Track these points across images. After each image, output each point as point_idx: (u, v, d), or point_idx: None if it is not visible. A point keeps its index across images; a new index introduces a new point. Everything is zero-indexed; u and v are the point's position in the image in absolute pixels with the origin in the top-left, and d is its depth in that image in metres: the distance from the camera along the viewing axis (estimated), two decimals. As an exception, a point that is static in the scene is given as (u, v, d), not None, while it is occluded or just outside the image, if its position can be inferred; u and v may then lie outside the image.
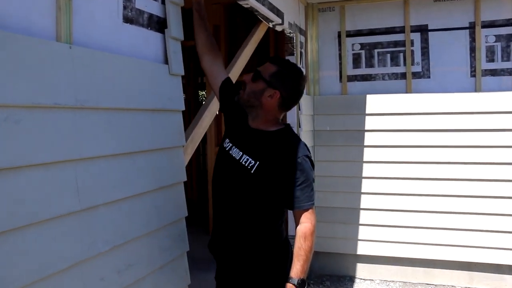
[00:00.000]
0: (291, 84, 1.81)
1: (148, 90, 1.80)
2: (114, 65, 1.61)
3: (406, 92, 4.07)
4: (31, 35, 1.28)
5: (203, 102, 2.83)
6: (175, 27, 1.98)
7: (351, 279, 4.22)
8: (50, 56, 1.33)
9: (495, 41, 3.84)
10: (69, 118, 1.38)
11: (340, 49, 4.28)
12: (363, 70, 4.23)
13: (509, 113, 3.74)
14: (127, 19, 1.71)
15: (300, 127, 3.79)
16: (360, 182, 4.11)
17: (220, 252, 1.90)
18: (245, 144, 1.83)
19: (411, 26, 4.05)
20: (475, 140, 3.80)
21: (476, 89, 3.88)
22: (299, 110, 3.79)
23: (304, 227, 1.73)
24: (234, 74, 2.79)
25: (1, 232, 1.13)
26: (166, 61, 1.95)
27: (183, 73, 2.02)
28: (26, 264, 1.20)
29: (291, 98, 1.84)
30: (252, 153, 1.78)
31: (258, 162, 1.75)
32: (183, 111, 2.07)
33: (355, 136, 4.12)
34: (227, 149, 1.87)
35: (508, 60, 3.82)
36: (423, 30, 4.02)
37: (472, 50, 3.88)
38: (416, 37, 4.05)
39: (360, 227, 4.12)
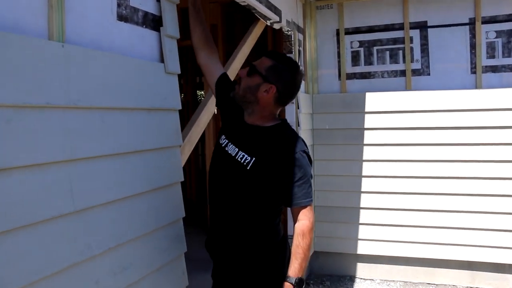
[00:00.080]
0: (287, 79, 1.78)
1: (144, 89, 1.76)
2: (108, 63, 1.57)
3: (406, 90, 4.04)
4: (23, 33, 1.25)
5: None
6: (171, 25, 1.95)
7: (351, 278, 4.19)
8: (42, 54, 1.30)
9: (496, 37, 3.80)
10: (61, 118, 1.35)
11: (338, 47, 4.24)
12: (362, 68, 4.20)
13: (510, 110, 3.71)
14: (121, 17, 1.68)
15: (299, 125, 3.76)
16: (360, 181, 4.08)
17: (216, 251, 1.87)
18: (241, 140, 1.80)
19: (410, 23, 4.02)
20: (475, 138, 3.76)
21: (477, 86, 3.84)
22: (298, 108, 3.76)
23: (302, 225, 1.70)
24: (232, 72, 2.76)
25: (-9, 235, 1.10)
26: (162, 60, 1.92)
27: (179, 72, 1.99)
28: (18, 267, 1.17)
29: (287, 93, 1.81)
30: (248, 149, 1.75)
31: (254, 159, 1.72)
32: (181, 111, 2.05)
33: (355, 135, 4.09)
34: (223, 145, 1.84)
35: (509, 56, 3.78)
36: (422, 26, 3.99)
37: (473, 46, 3.85)
38: (416, 34, 4.01)
39: (360, 226, 4.10)
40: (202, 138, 5.04)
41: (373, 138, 4.04)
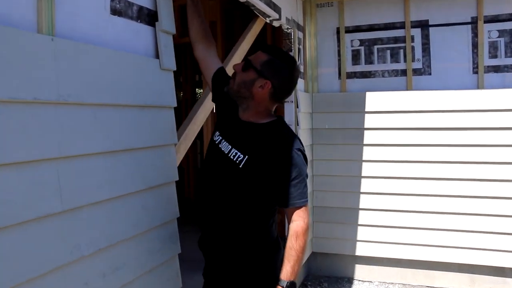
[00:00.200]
0: (284, 74, 1.72)
1: (138, 85, 1.72)
2: (100, 58, 1.52)
3: (407, 89, 3.99)
4: (10, 25, 1.20)
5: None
6: (167, 20, 1.90)
7: (350, 280, 4.15)
8: (30, 48, 1.25)
9: (498, 37, 3.75)
10: (50, 114, 1.30)
11: (339, 46, 4.20)
12: (362, 67, 4.15)
13: (512, 110, 3.66)
14: (115, 11, 1.63)
15: (298, 125, 3.72)
16: (359, 182, 4.03)
17: (208, 250, 1.82)
18: (234, 137, 1.75)
19: (411, 22, 3.97)
20: (477, 139, 3.71)
21: (479, 86, 3.79)
22: (297, 107, 3.71)
23: (296, 226, 1.65)
24: (230, 69, 2.70)
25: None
26: (157, 56, 1.87)
27: (174, 68, 1.94)
28: (2, 269, 1.13)
29: (283, 89, 1.75)
30: (241, 146, 1.70)
31: (247, 157, 1.67)
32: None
33: (354, 135, 4.04)
34: (216, 142, 1.79)
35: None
36: (423, 25, 3.94)
37: (475, 46, 3.80)
38: (417, 32, 3.96)
39: (359, 227, 4.05)
40: (201, 136, 5.01)
41: (373, 138, 3.99)
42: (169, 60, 1.91)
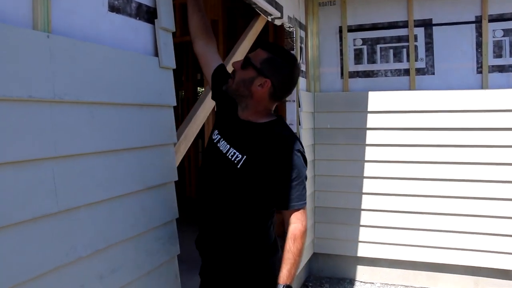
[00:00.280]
0: (284, 73, 1.68)
1: (136, 83, 1.68)
2: (97, 56, 1.49)
3: (410, 89, 3.95)
4: (4, 22, 1.17)
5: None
6: (166, 18, 1.86)
7: (351, 281, 4.11)
8: (25, 45, 1.22)
9: (503, 36, 3.70)
10: (46, 113, 1.27)
11: (341, 45, 4.16)
12: (365, 66, 4.11)
13: (517, 111, 3.61)
14: (113, 8, 1.60)
15: (300, 124, 3.69)
16: (362, 182, 4.00)
17: (205, 250, 1.79)
18: (233, 136, 1.71)
19: (414, 21, 3.93)
20: (481, 139, 3.67)
21: (483, 86, 3.75)
22: (299, 107, 3.68)
23: (294, 228, 1.61)
24: (230, 68, 2.67)
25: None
26: (156, 54, 1.83)
27: (174, 66, 1.91)
28: (-5, 272, 1.10)
29: (283, 88, 1.71)
30: (239, 146, 1.66)
31: (245, 157, 1.63)
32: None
33: (357, 134, 4.01)
34: (215, 141, 1.75)
35: (516, 55, 3.69)
36: (427, 24, 3.90)
37: (479, 45, 3.76)
38: (420, 32, 3.93)
39: (361, 228, 4.02)
40: (202, 135, 4.98)
41: (375, 138, 3.96)
42: (169, 58, 1.88)
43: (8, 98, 1.15)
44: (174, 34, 2.01)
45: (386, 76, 4.04)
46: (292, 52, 3.62)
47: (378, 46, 4.06)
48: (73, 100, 1.37)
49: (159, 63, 1.82)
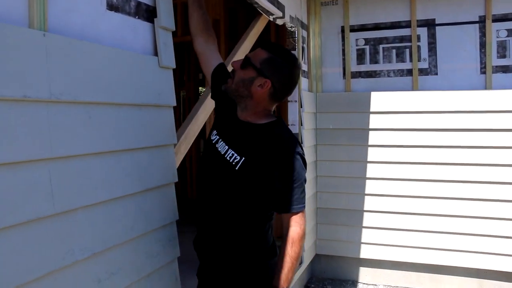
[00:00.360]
0: (284, 73, 1.64)
1: (135, 83, 1.66)
2: (95, 55, 1.47)
3: (412, 90, 3.92)
4: (-1, 20, 1.15)
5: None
6: (166, 16, 1.84)
7: (354, 283, 4.08)
8: (20, 43, 1.19)
9: (507, 36, 3.66)
10: (41, 113, 1.25)
11: (343, 45, 4.13)
12: (367, 67, 4.08)
13: (521, 111, 3.57)
14: (111, 7, 1.57)
15: (302, 125, 3.66)
16: (364, 183, 3.96)
17: (202, 251, 1.76)
18: (231, 137, 1.68)
19: (417, 21, 3.89)
20: (484, 140, 3.64)
21: (487, 87, 3.71)
22: (301, 107, 3.65)
23: (292, 232, 1.59)
24: (231, 68, 2.65)
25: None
26: (155, 53, 1.81)
27: (174, 66, 1.88)
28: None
29: (283, 89, 1.67)
30: (238, 147, 1.63)
31: (243, 158, 1.60)
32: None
33: (359, 135, 3.97)
34: (213, 142, 1.72)
35: (521, 56, 3.65)
36: (430, 24, 3.87)
37: (482, 45, 3.72)
38: (423, 32, 3.89)
39: (364, 229, 3.98)
40: (204, 135, 4.95)
41: (378, 139, 3.93)
42: (168, 57, 1.85)
43: (2, 98, 1.13)
44: (175, 33, 1.98)
45: (388, 76, 4.01)
46: (294, 52, 3.60)
47: (381, 46, 4.03)
48: (70, 100, 1.34)
49: (158, 63, 1.79)
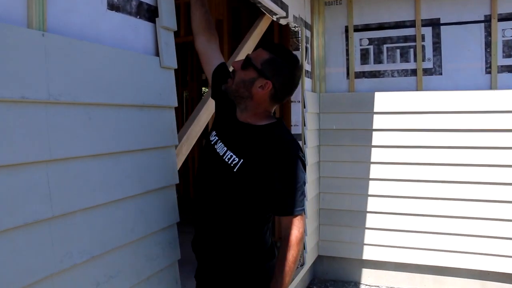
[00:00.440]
0: (286, 74, 1.61)
1: (136, 84, 1.63)
2: (95, 56, 1.45)
3: (417, 90, 3.88)
4: (-2, 20, 1.13)
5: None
6: (168, 16, 1.81)
7: (356, 284, 4.06)
8: (19, 44, 1.17)
9: (513, 35, 3.64)
10: (40, 114, 1.23)
11: (347, 44, 4.10)
12: (371, 67, 4.05)
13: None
14: (112, 6, 1.55)
15: (305, 125, 3.63)
16: (367, 184, 3.93)
17: (200, 253, 1.74)
18: (230, 138, 1.66)
19: (422, 20, 3.86)
20: (490, 141, 3.60)
21: (492, 87, 3.67)
22: (304, 108, 3.62)
23: (290, 235, 1.57)
24: (234, 68, 2.62)
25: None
26: (157, 53, 1.79)
27: (175, 66, 1.86)
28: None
29: (284, 90, 1.64)
30: (236, 149, 1.61)
31: (242, 160, 1.58)
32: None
33: (363, 136, 3.95)
34: (212, 142, 1.70)
35: (526, 55, 3.61)
36: (435, 24, 3.83)
37: (488, 45, 3.68)
38: (428, 31, 3.85)
39: (367, 231, 3.95)
40: (206, 135, 4.94)
41: (381, 140, 3.90)
42: (170, 58, 1.83)
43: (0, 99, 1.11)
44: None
45: (392, 76, 3.97)
46: (297, 52, 3.57)
47: (385, 46, 3.99)
48: (69, 101, 1.32)
49: (160, 63, 1.77)
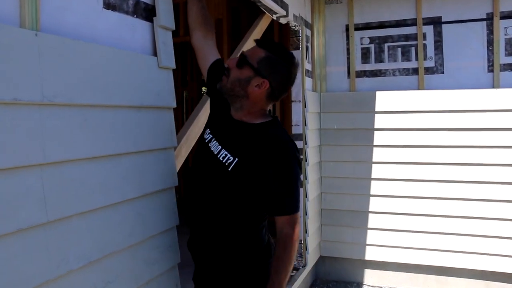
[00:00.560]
0: (282, 72, 1.59)
1: (133, 84, 1.60)
2: (91, 56, 1.41)
3: (418, 89, 3.84)
4: (-12, 19, 1.10)
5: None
6: (165, 15, 1.78)
7: (359, 285, 4.02)
8: (11, 44, 1.14)
9: (516, 33, 3.60)
10: (33, 116, 1.19)
11: (348, 43, 4.06)
12: (372, 66, 4.01)
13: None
14: (108, 5, 1.52)
15: (306, 125, 3.60)
16: (369, 184, 3.90)
17: (197, 253, 1.71)
18: (225, 137, 1.63)
19: (423, 18, 3.82)
20: (492, 140, 3.56)
21: (494, 85, 3.63)
22: (305, 107, 3.59)
23: (285, 235, 1.54)
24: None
25: None
26: (154, 53, 1.75)
27: (174, 66, 1.82)
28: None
29: (281, 88, 1.62)
30: (231, 148, 1.58)
31: (237, 159, 1.55)
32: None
33: (364, 135, 3.91)
34: (206, 141, 1.67)
35: (529, 53, 3.57)
36: (436, 22, 3.80)
37: (490, 43, 3.65)
38: (429, 30, 3.82)
39: (369, 231, 3.92)
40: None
41: (383, 139, 3.86)
42: (168, 57, 1.79)
43: (-9, 101, 1.07)
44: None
45: (394, 75, 3.94)
46: (297, 51, 3.54)
47: (386, 44, 3.96)
48: (64, 103, 1.29)
49: (157, 63, 1.74)
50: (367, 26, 4.01)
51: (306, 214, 3.58)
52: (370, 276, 4.04)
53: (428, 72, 3.84)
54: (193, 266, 1.77)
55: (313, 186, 3.77)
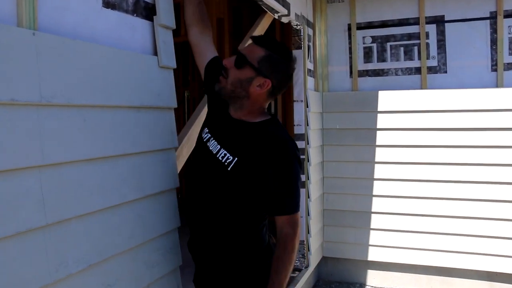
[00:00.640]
0: (283, 70, 1.57)
1: (133, 84, 1.58)
2: (90, 55, 1.39)
3: (421, 88, 3.82)
4: (-15, 18, 1.08)
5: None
6: (166, 14, 1.76)
7: (362, 286, 4.00)
8: (8, 43, 1.12)
9: (520, 32, 3.57)
10: (31, 117, 1.17)
11: (350, 43, 4.04)
12: (374, 65, 3.98)
13: (533, 110, 3.47)
14: (108, 4, 1.50)
15: (308, 125, 3.57)
16: (372, 184, 3.87)
17: (197, 254, 1.69)
18: (224, 136, 1.60)
19: (426, 17, 3.79)
20: (496, 140, 3.53)
21: (498, 85, 3.61)
22: (307, 107, 3.56)
23: (285, 235, 1.52)
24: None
25: None
26: (155, 53, 1.73)
27: (174, 66, 1.80)
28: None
29: (282, 86, 1.60)
30: (230, 147, 1.55)
31: (236, 159, 1.53)
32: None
33: (366, 135, 3.89)
34: (204, 140, 1.64)
35: (534, 52, 3.54)
36: (439, 21, 3.77)
37: (493, 42, 3.62)
38: (432, 29, 3.79)
39: (372, 231, 3.89)
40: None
41: (385, 139, 3.83)
42: (169, 57, 1.77)
43: (-12, 102, 1.05)
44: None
45: (396, 75, 3.91)
46: (299, 50, 3.52)
47: (388, 44, 3.93)
48: (62, 103, 1.26)
49: (158, 63, 1.72)
50: (370, 25, 3.99)
51: (308, 215, 3.55)
52: (373, 277, 4.02)
53: (431, 71, 3.81)
54: (194, 267, 1.75)
55: (315, 187, 3.75)
